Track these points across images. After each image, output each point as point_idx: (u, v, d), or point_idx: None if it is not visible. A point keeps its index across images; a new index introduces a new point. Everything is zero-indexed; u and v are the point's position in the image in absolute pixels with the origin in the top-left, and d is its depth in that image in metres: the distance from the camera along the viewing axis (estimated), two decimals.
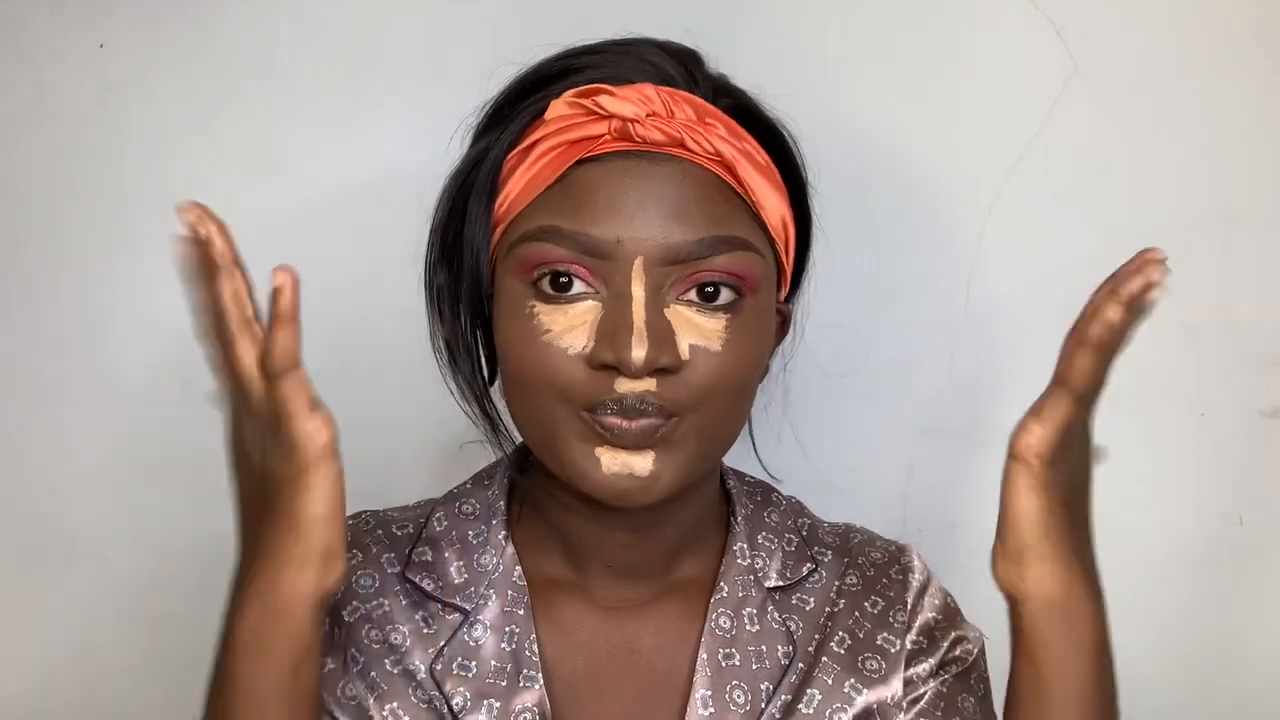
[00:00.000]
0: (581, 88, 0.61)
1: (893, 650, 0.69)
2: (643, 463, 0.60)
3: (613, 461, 0.60)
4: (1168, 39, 0.90)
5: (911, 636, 0.71)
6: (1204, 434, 0.92)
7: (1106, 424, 0.94)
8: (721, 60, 0.67)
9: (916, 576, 0.73)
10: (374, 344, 0.97)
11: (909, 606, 0.71)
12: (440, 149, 0.68)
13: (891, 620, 0.70)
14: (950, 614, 0.73)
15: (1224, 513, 0.93)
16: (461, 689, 0.65)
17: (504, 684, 0.65)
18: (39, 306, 1.00)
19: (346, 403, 0.99)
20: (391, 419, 0.98)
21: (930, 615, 0.72)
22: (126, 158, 0.98)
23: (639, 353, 0.57)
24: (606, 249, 0.59)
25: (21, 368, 1.00)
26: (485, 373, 0.69)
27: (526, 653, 0.65)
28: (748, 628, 0.68)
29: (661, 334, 0.59)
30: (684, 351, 0.60)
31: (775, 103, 0.67)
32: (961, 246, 0.94)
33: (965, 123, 0.93)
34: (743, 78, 0.67)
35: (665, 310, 0.60)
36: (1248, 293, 0.91)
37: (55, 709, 1.03)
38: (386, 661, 0.66)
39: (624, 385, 0.59)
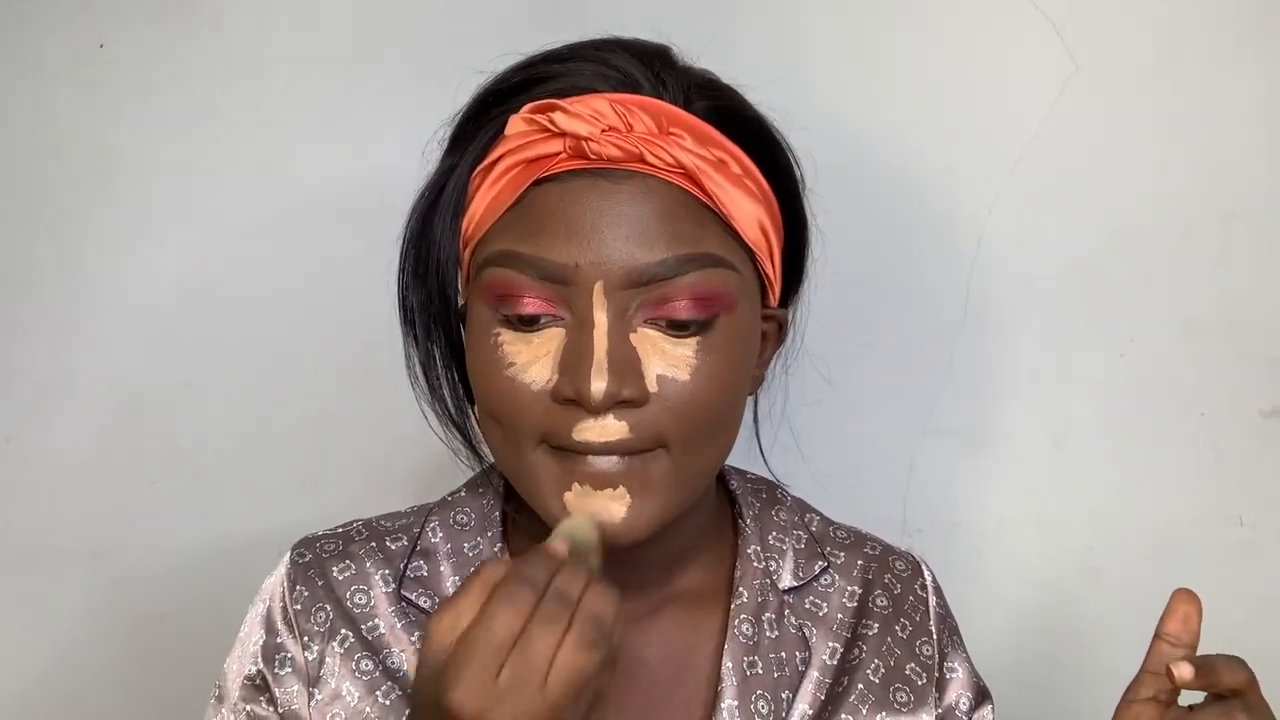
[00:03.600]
0: (536, 103, 0.58)
1: (920, 682, 0.69)
2: (616, 508, 0.57)
3: (579, 509, 0.58)
4: (1168, 39, 0.90)
5: (947, 664, 0.71)
6: (1204, 434, 0.92)
7: (1107, 423, 0.95)
8: (719, 59, 0.66)
9: (934, 601, 0.73)
10: (373, 344, 0.97)
11: (934, 636, 0.71)
12: (428, 152, 0.67)
13: (918, 651, 0.70)
14: (963, 645, 0.74)
15: (1224, 513, 0.93)
16: None
17: None
18: (39, 306, 1.00)
19: (345, 403, 1.00)
20: (390, 420, 0.98)
21: (956, 650, 0.72)
22: (126, 157, 0.98)
23: (599, 385, 0.55)
24: (565, 274, 0.56)
25: (21, 368, 1.00)
26: (464, 396, 0.67)
27: None
28: (768, 634, 0.66)
29: (625, 364, 0.56)
30: (651, 382, 0.57)
31: (775, 103, 0.67)
32: (962, 246, 0.94)
33: (965, 123, 0.93)
34: (741, 77, 0.66)
35: (631, 335, 0.57)
36: (1248, 293, 0.91)
37: (54, 708, 1.02)
38: (378, 692, 0.64)
39: (588, 431, 0.56)
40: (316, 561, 0.67)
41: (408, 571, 0.67)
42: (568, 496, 0.58)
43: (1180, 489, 0.93)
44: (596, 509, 0.57)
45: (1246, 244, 0.91)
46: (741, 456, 0.77)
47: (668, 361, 0.58)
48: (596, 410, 0.56)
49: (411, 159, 0.68)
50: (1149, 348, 0.93)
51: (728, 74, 0.65)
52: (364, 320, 0.97)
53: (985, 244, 0.93)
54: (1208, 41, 0.90)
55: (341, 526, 0.70)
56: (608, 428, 0.56)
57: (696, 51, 0.65)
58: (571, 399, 0.56)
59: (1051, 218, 0.93)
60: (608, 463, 0.57)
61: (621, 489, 0.57)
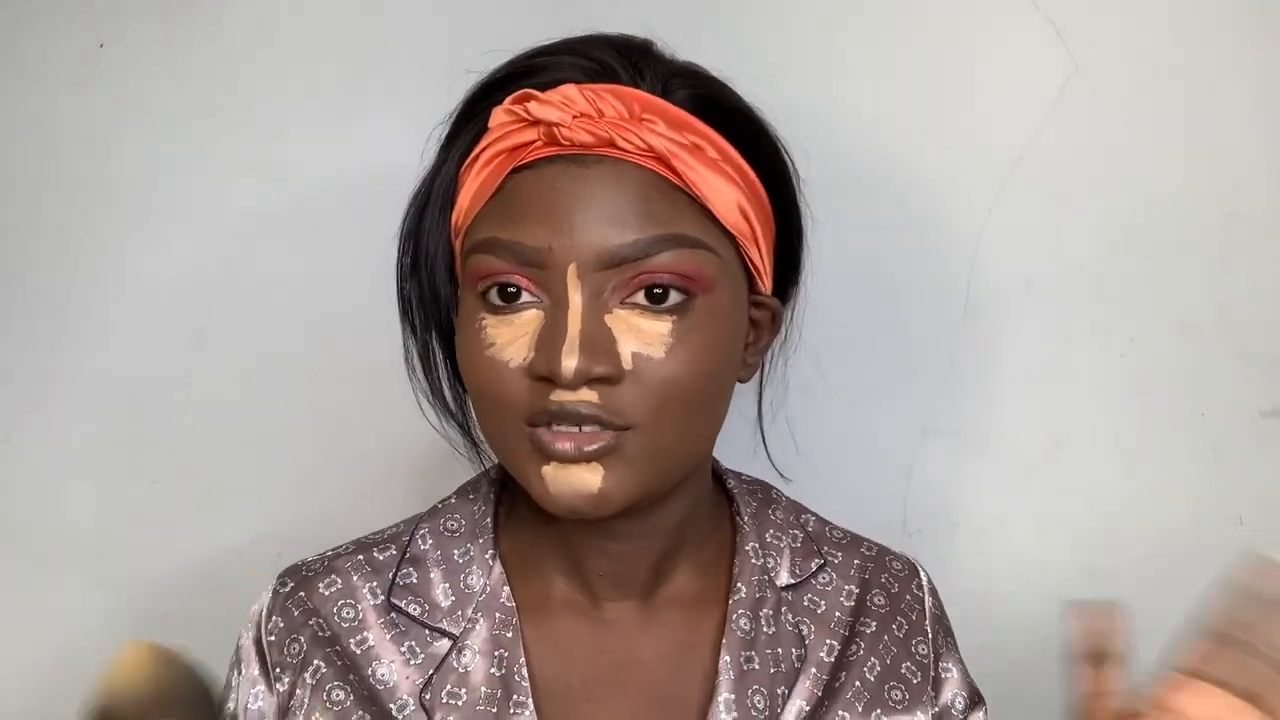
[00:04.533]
0: (514, 94, 0.60)
1: (915, 681, 0.69)
2: (591, 479, 0.58)
3: (556, 480, 0.59)
4: (1168, 39, 0.90)
5: (942, 664, 0.71)
6: (1204, 434, 0.92)
7: (1107, 423, 0.95)
8: (720, 58, 0.66)
9: (930, 601, 0.73)
10: (372, 343, 0.97)
11: (929, 636, 0.71)
12: (426, 151, 0.68)
13: (913, 650, 0.70)
14: (956, 646, 0.74)
15: (1224, 513, 0.93)
16: (452, 718, 0.63)
17: (494, 710, 0.63)
18: (39, 306, 1.00)
19: (344, 403, 1.00)
20: (390, 419, 0.98)
21: (951, 651, 0.73)
22: (126, 158, 0.98)
23: (569, 363, 0.56)
24: (541, 258, 0.58)
25: (21, 368, 1.00)
26: (461, 388, 0.68)
27: (516, 677, 0.63)
28: (764, 630, 0.67)
29: (599, 343, 0.58)
30: (626, 360, 0.58)
31: (775, 101, 0.67)
32: (961, 246, 0.94)
33: (965, 122, 0.93)
34: (741, 76, 0.66)
35: (606, 316, 0.58)
36: (1248, 293, 0.91)
37: (54, 708, 1.02)
38: (366, 713, 0.64)
39: (562, 395, 0.58)
40: (300, 585, 0.68)
41: (397, 579, 0.67)
42: (545, 470, 0.59)
43: (1180, 489, 0.93)
44: (572, 481, 0.59)
45: (1246, 244, 0.91)
46: (748, 454, 0.77)
47: (643, 340, 0.59)
48: (571, 387, 0.57)
49: (412, 158, 0.68)
50: (1149, 348, 0.93)
51: (728, 71, 0.66)
52: (364, 319, 0.97)
53: (985, 244, 0.93)
54: (1208, 41, 0.90)
55: (330, 549, 0.71)
56: (581, 393, 0.58)
57: (701, 46, 0.66)
58: (545, 376, 0.57)
59: (1051, 218, 0.93)
60: (577, 446, 0.58)
61: (596, 465, 0.58)
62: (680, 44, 0.66)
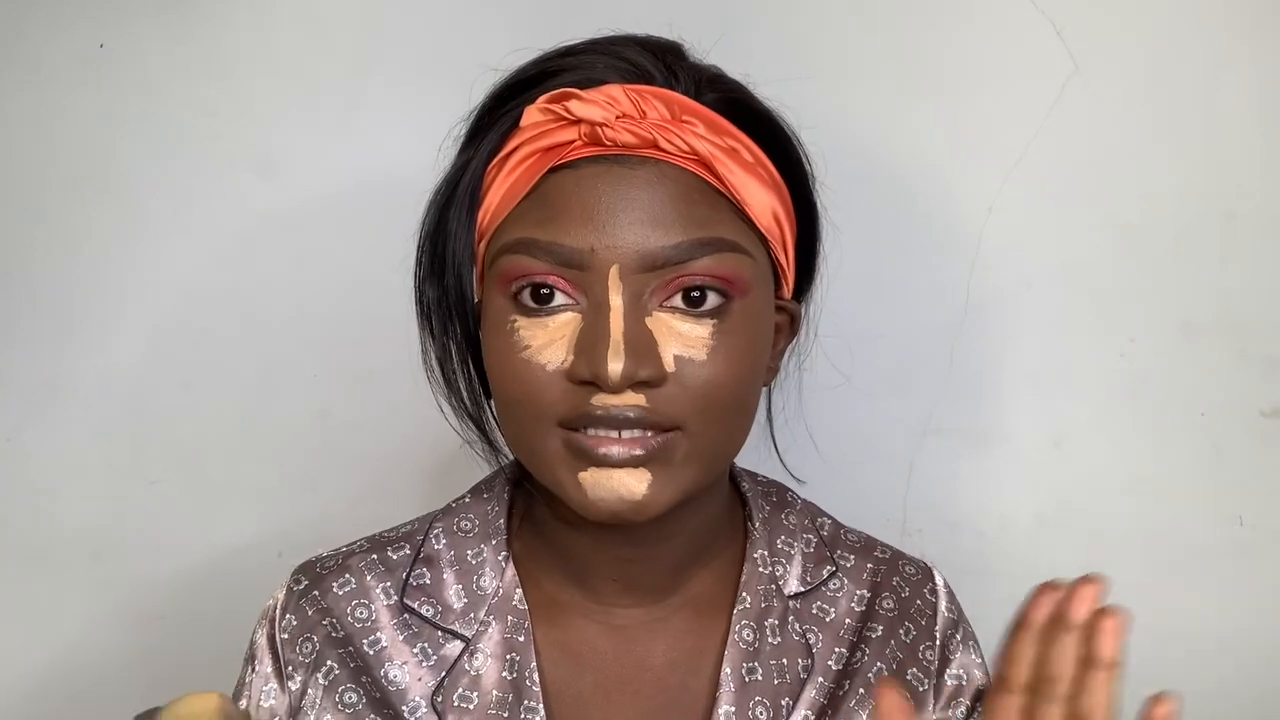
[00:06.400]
0: (552, 93, 0.59)
1: (920, 689, 0.68)
2: (635, 484, 0.57)
3: (597, 485, 0.57)
4: (1168, 39, 0.90)
5: (950, 671, 0.70)
6: (1204, 434, 0.92)
7: (1107, 423, 0.95)
8: (720, 57, 0.66)
9: (944, 605, 0.72)
10: (373, 344, 0.97)
11: (938, 642, 0.70)
12: (444, 149, 0.67)
13: (920, 656, 0.69)
14: (978, 651, 0.72)
15: (1224, 513, 0.93)
16: None
17: (505, 714, 0.63)
18: (39, 306, 1.00)
19: (347, 404, 1.00)
20: (391, 419, 0.98)
21: (968, 653, 0.71)
22: (126, 158, 0.98)
23: (615, 366, 0.55)
24: (581, 259, 0.57)
25: (21, 368, 1.00)
26: (480, 389, 0.67)
27: (527, 682, 0.63)
28: (769, 640, 0.66)
29: (642, 345, 0.57)
30: (668, 363, 0.57)
31: (776, 105, 0.67)
32: (961, 246, 0.94)
33: (965, 123, 0.93)
34: (745, 79, 0.66)
35: (647, 319, 0.58)
36: (1248, 293, 0.91)
37: (53, 708, 1.02)
38: (378, 716, 0.63)
39: (604, 399, 0.57)
40: (314, 583, 0.67)
41: (410, 579, 0.67)
42: (583, 476, 0.58)
43: (1180, 489, 0.93)
44: (614, 486, 0.57)
45: (1246, 244, 0.91)
46: (758, 457, 0.77)
47: (684, 343, 0.58)
48: (615, 390, 0.56)
49: (413, 158, 0.68)
50: (1149, 348, 0.93)
51: (733, 71, 0.66)
52: (365, 320, 0.97)
53: (985, 244, 0.93)
54: (1207, 41, 0.90)
55: (345, 545, 0.70)
56: (626, 396, 0.57)
57: (704, 49, 0.66)
58: (588, 380, 0.57)
59: (1051, 218, 0.93)
60: (623, 449, 0.57)
61: (643, 470, 0.58)
62: (690, 44, 0.66)
